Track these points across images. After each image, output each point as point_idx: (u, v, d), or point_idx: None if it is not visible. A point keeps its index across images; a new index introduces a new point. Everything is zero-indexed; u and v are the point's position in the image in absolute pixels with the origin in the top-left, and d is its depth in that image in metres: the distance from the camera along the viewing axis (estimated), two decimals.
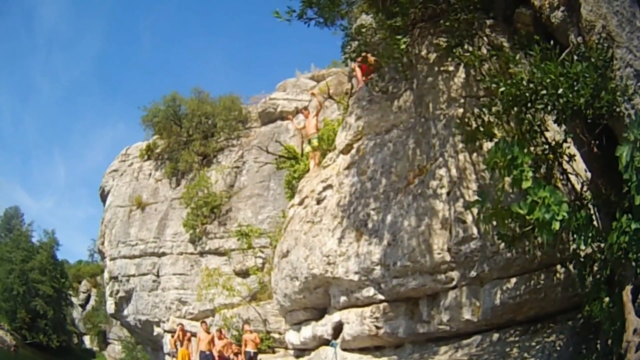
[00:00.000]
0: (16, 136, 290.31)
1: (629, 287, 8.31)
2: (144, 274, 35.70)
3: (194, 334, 24.89)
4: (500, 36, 12.63)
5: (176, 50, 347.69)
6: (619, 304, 8.40)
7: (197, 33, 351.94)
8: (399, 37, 12.84)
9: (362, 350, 15.44)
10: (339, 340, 15.85)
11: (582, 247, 9.07)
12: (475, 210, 11.20)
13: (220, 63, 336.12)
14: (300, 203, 18.16)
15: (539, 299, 11.77)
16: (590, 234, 8.74)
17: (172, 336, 27.64)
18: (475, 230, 11.97)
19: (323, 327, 16.81)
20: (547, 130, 10.61)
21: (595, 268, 9.86)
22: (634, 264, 7.97)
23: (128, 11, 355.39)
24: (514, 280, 11.90)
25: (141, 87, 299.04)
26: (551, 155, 10.45)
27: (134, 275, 36.70)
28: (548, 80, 8.81)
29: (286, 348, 23.59)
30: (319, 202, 16.76)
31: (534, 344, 11.55)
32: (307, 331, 18.00)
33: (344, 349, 15.78)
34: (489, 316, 12.08)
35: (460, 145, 12.56)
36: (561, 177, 11.09)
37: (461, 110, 12.83)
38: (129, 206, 38.91)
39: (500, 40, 12.47)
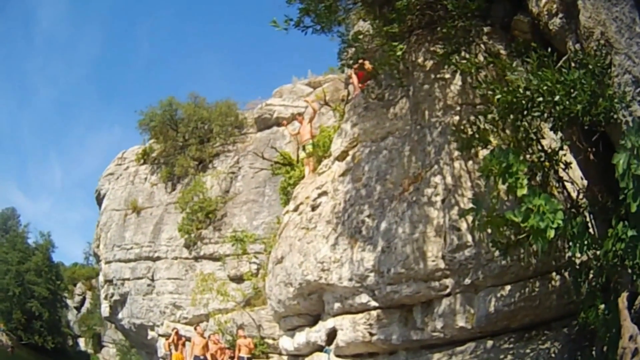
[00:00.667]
0: (13, 138, 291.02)
1: (624, 294, 8.23)
2: (139, 278, 35.76)
3: (188, 339, 24.92)
4: (498, 43, 12.54)
5: (173, 55, 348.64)
6: (615, 311, 8.33)
7: (194, 38, 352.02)
8: (396, 43, 12.76)
9: (356, 357, 15.46)
10: (332, 347, 15.79)
11: (578, 254, 9.00)
12: (470, 218, 11.15)
13: (217, 69, 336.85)
14: (295, 209, 18.13)
15: (533, 306, 11.74)
16: (586, 242, 8.66)
17: (167, 339, 27.64)
18: (469, 238, 11.92)
19: (317, 333, 16.76)
20: (543, 138, 10.56)
21: (591, 275, 9.69)
22: (629, 271, 7.92)
23: (126, 16, 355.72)
24: (508, 287, 11.87)
25: (138, 92, 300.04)
26: (547, 163, 10.25)
27: (128, 279, 36.77)
28: (545, 88, 8.72)
29: (280, 354, 23.60)
30: (313, 208, 16.72)
31: (528, 351, 11.50)
32: (301, 337, 17.97)
33: (338, 356, 15.75)
34: (483, 323, 12.04)
35: (456, 153, 12.51)
36: (557, 185, 10.99)
37: (457, 117, 12.79)
38: (125, 210, 39.00)
39: (497, 47, 12.39)
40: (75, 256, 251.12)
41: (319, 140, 21.79)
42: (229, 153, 35.18)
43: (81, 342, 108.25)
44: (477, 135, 10.71)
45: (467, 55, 11.90)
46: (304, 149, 21.50)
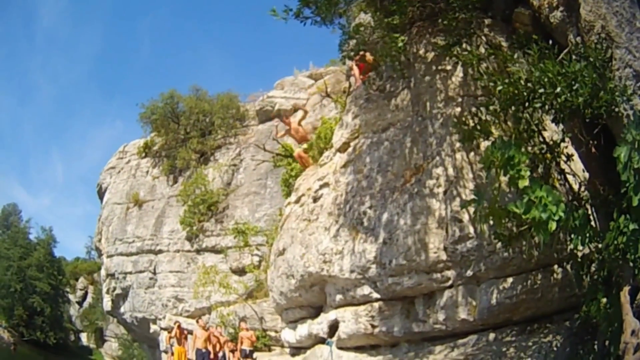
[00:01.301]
0: (14, 135, 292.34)
1: (626, 288, 8.26)
2: (141, 272, 35.85)
3: (190, 332, 25.04)
4: (499, 35, 12.57)
5: (174, 50, 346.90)
6: (617, 305, 8.36)
7: (195, 32, 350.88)
8: (397, 35, 12.82)
9: (358, 349, 15.42)
10: (334, 339, 15.79)
11: (580, 247, 9.07)
12: (471, 210, 11.22)
13: (218, 62, 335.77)
14: (297, 201, 18.16)
15: (535, 299, 11.74)
16: (587, 234, 8.71)
17: (169, 332, 27.68)
18: (471, 230, 11.95)
19: (319, 325, 16.80)
20: (545, 130, 10.63)
21: (593, 268, 9.86)
22: (631, 264, 7.95)
23: (126, 12, 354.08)
24: (510, 280, 11.87)
25: (139, 86, 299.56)
26: (549, 155, 10.41)
27: (130, 273, 36.87)
28: (546, 79, 8.79)
29: (282, 346, 23.72)
30: (315, 200, 16.74)
31: (530, 344, 11.48)
32: (303, 329, 18.01)
33: (340, 348, 15.76)
34: (485, 316, 12.07)
35: (457, 145, 12.53)
36: (559, 177, 11.05)
37: (459, 109, 12.83)
38: (126, 203, 39.09)
39: (498, 39, 12.42)
40: (77, 251, 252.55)
41: (321, 131, 21.77)
42: (231, 145, 35.25)
43: (83, 337, 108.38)
44: (478, 127, 10.81)
45: (469, 47, 11.92)
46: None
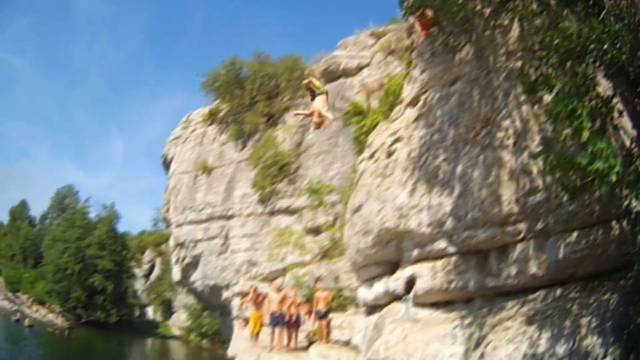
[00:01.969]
0: (66, 119, 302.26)
1: None
2: (212, 238, 36.94)
3: (266, 296, 25.68)
4: None
5: (230, 16, 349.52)
6: None
7: None
8: None
9: (433, 306, 16.05)
10: (410, 296, 16.55)
11: (634, 203, 9.57)
12: (540, 162, 11.79)
13: (279, 27, 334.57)
14: (371, 157, 18.91)
15: (596, 254, 12.12)
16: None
17: (242, 297, 28.90)
18: (540, 182, 12.37)
19: (395, 282, 17.52)
20: (599, 85, 11.05)
21: None
22: None
23: None
24: (575, 234, 12.26)
25: (197, 56, 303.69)
26: (603, 109, 10.83)
27: (201, 240, 38.01)
28: (594, 36, 9.37)
29: (357, 306, 24.36)
30: (389, 155, 17.52)
31: (591, 301, 11.91)
32: (380, 287, 18.81)
33: (416, 304, 16.51)
34: (552, 270, 12.57)
35: (523, 97, 12.97)
36: (613, 132, 11.41)
37: (519, 62, 13.31)
38: (194, 171, 40.16)
39: None
40: (142, 224, 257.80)
41: (389, 87, 22.34)
42: (299, 106, 34.05)
43: (149, 310, 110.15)
44: (540, 80, 11.26)
45: (522, 4, 12.32)
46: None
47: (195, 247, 38.74)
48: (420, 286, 15.92)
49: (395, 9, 16.10)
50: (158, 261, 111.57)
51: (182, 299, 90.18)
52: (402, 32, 28.80)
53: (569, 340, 11.05)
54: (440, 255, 15.15)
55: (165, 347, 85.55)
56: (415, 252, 16.08)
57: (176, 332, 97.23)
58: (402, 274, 17.17)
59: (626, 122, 11.43)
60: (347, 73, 32.96)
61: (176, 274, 44.86)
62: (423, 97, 16.79)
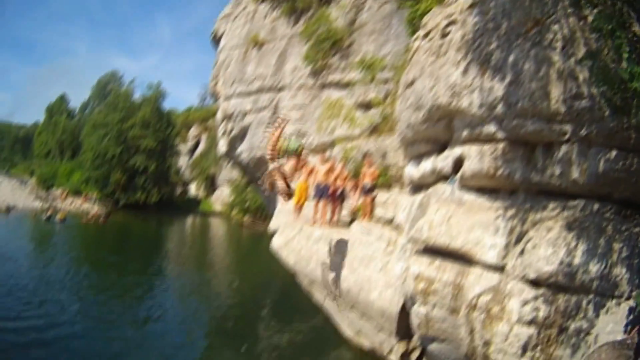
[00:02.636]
0: (108, 12, 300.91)
1: None
2: (261, 109, 37.30)
3: (313, 168, 26.06)
4: None
5: None
6: None
7: None
8: None
9: (479, 191, 16.21)
10: (457, 177, 16.70)
11: None
12: (586, 71, 12.01)
13: None
14: (425, 36, 18.66)
15: (632, 181, 12.47)
16: None
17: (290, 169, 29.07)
18: (586, 90, 12.45)
19: (444, 161, 17.63)
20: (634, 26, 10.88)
21: None
22: None
23: None
24: (614, 152, 12.52)
25: None
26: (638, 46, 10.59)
27: (250, 112, 38.42)
28: None
29: (402, 185, 24.52)
30: (443, 36, 17.27)
31: (624, 228, 12.33)
32: (427, 164, 18.94)
33: (462, 187, 16.72)
34: (592, 182, 12.70)
35: (570, 10, 12.96)
36: None
37: None
38: (245, 45, 40.08)
39: None
40: (189, 102, 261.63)
41: None
42: None
43: (192, 187, 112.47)
44: None
45: None
46: None
47: (244, 119, 39.17)
48: (467, 168, 16.01)
49: None
50: (204, 137, 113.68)
51: (226, 174, 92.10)
52: None
53: (601, 261, 11.59)
54: (490, 139, 15.17)
55: (206, 225, 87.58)
56: (465, 133, 16.11)
57: (218, 208, 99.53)
58: (451, 154, 17.26)
59: None
60: None
61: (222, 146, 45.15)
62: None
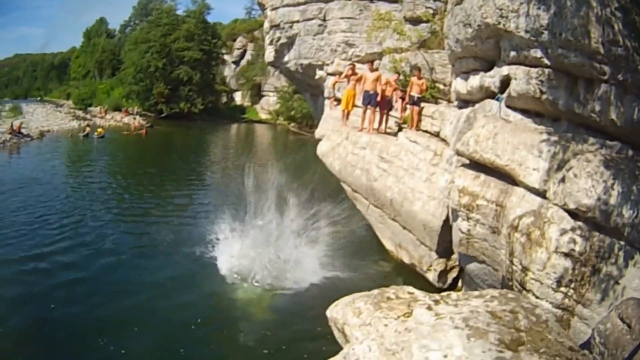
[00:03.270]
0: None
1: None
2: (310, 19, 37.77)
3: (361, 76, 25.90)
4: None
5: None
6: None
7: None
8: None
9: (524, 112, 16.40)
10: (504, 95, 16.83)
11: None
12: (620, 23, 11.94)
13: None
14: None
15: None
16: None
17: (338, 76, 29.31)
18: (621, 39, 12.27)
19: (491, 78, 17.82)
20: None
21: None
22: None
23: None
24: None
25: None
26: None
27: (297, 21, 38.94)
28: None
29: (449, 100, 24.98)
30: None
31: None
32: (475, 81, 19.13)
33: (508, 106, 16.86)
34: (628, 126, 12.64)
35: None
36: None
37: None
38: None
39: None
40: (235, 14, 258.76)
41: None
42: None
43: (238, 96, 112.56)
44: None
45: None
46: None
47: (292, 28, 39.65)
48: (514, 87, 16.11)
49: None
50: (250, 47, 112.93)
51: (273, 82, 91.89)
52: None
53: (634, 207, 11.34)
54: (536, 63, 15.14)
55: (251, 132, 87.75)
56: (512, 54, 16.12)
57: (263, 116, 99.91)
58: (498, 72, 17.36)
59: None
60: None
61: (269, 55, 45.83)
62: None
